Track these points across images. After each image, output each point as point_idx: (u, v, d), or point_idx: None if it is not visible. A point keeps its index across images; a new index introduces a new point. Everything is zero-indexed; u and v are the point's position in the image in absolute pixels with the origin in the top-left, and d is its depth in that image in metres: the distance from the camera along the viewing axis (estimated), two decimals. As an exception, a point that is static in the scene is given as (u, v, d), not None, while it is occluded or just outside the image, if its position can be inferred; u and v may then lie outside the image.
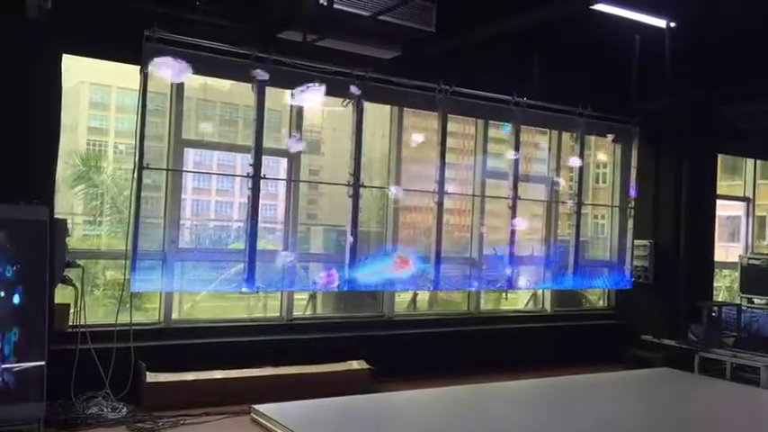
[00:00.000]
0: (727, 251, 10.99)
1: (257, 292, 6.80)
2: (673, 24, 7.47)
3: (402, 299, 8.22)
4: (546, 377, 7.25)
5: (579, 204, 8.77)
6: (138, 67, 6.06)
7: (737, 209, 11.15)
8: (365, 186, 7.25)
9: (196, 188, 7.59)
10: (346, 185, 7.12)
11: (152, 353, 6.08)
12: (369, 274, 7.21)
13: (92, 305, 6.33)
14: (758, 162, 11.07)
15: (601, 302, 9.80)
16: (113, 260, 6.61)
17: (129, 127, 6.18)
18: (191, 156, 6.79)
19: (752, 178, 11.11)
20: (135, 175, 6.02)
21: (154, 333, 6.33)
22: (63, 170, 6.54)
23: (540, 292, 9.03)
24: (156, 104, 6.41)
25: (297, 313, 7.30)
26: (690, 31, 7.58)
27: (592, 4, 6.64)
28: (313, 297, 7.69)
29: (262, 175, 6.59)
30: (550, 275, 8.60)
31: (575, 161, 8.77)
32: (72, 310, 5.74)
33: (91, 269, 6.73)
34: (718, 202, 9.85)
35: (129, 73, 6.18)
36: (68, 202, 7.12)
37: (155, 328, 6.39)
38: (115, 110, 8.00)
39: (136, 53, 6.01)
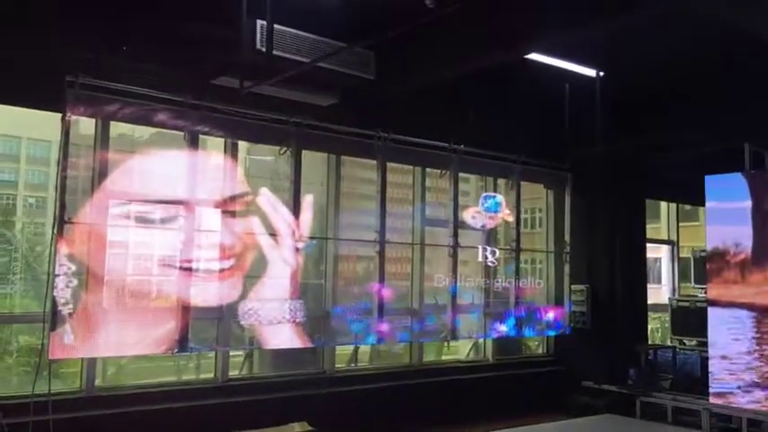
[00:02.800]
0: (649, 293, 11.23)
1: (191, 353, 6.34)
2: (602, 73, 7.72)
3: (343, 352, 7.89)
4: (492, 428, 7.06)
5: (518, 251, 8.76)
6: (60, 115, 5.63)
7: (657, 251, 11.44)
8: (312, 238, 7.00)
9: (123, 242, 7.07)
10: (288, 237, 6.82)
11: (73, 425, 5.53)
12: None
13: (4, 375, 5.71)
14: (678, 206, 11.46)
15: (540, 349, 9.77)
16: (28, 324, 6.02)
17: (41, 179, 5.71)
18: (117, 208, 6.31)
19: (675, 222, 11.45)
20: (55, 231, 5.53)
21: (75, 403, 5.76)
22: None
23: (481, 340, 8.90)
24: (78, 154, 5.96)
25: (233, 372, 6.86)
26: (618, 80, 7.83)
27: (524, 55, 6.79)
28: (249, 355, 7.26)
29: (196, 227, 6.22)
30: (491, 323, 8.49)
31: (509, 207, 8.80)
32: (-20, 382, 5.17)
33: (2, 333, 6.11)
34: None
35: (40, 123, 5.73)
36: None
37: (76, 398, 5.83)
38: (26, 162, 7.48)
39: (57, 100, 5.59)
